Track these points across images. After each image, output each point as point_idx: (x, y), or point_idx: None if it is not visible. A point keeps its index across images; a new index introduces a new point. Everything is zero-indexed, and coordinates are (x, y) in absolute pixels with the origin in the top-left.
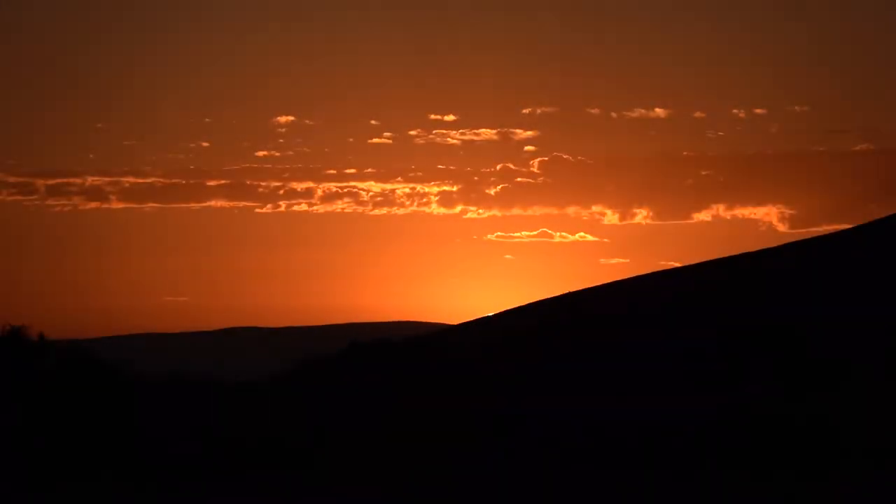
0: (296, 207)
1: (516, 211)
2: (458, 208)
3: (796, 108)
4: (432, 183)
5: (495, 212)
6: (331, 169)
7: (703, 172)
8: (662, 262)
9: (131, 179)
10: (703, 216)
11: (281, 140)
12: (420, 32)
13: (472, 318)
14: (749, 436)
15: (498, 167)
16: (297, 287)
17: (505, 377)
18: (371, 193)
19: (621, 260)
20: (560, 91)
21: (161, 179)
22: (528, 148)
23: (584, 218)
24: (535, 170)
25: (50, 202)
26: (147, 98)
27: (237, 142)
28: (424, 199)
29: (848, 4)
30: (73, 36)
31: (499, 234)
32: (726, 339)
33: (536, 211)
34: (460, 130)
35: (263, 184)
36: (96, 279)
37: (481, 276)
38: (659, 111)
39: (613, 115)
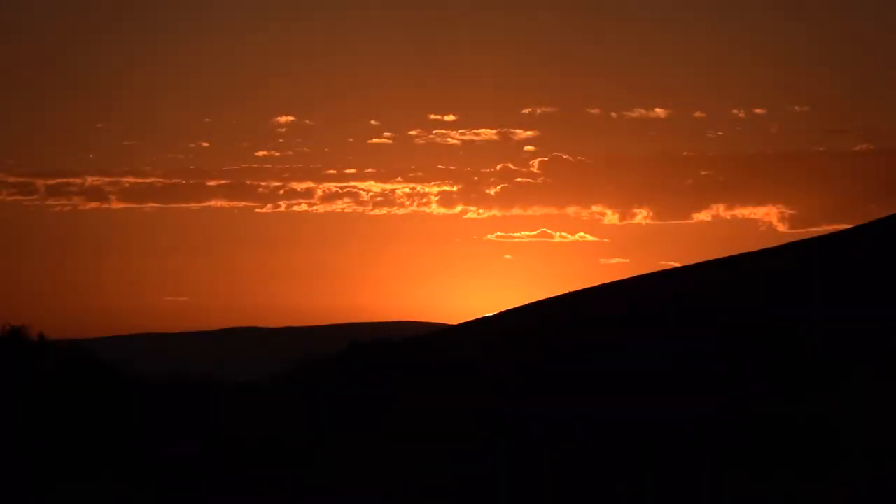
0: (296, 207)
1: (516, 211)
2: (458, 208)
3: (796, 108)
4: (432, 183)
5: (495, 212)
6: (331, 169)
7: (703, 172)
8: (662, 262)
9: (131, 179)
10: (703, 216)
11: (281, 140)
12: (420, 32)
13: (472, 318)
14: (749, 436)
15: (498, 167)
16: (297, 287)
17: (505, 377)
18: (371, 193)
19: (621, 260)
20: (560, 91)
21: (161, 179)
22: (528, 148)
23: (584, 218)
24: (535, 170)
25: (50, 202)
26: (147, 98)
27: (237, 142)
28: (424, 199)
29: (848, 4)
30: (73, 36)
31: (499, 234)
32: (726, 339)
33: (536, 211)
34: (460, 130)
35: (263, 184)
36: (96, 279)
37: (481, 276)
38: (659, 111)
39: (613, 115)
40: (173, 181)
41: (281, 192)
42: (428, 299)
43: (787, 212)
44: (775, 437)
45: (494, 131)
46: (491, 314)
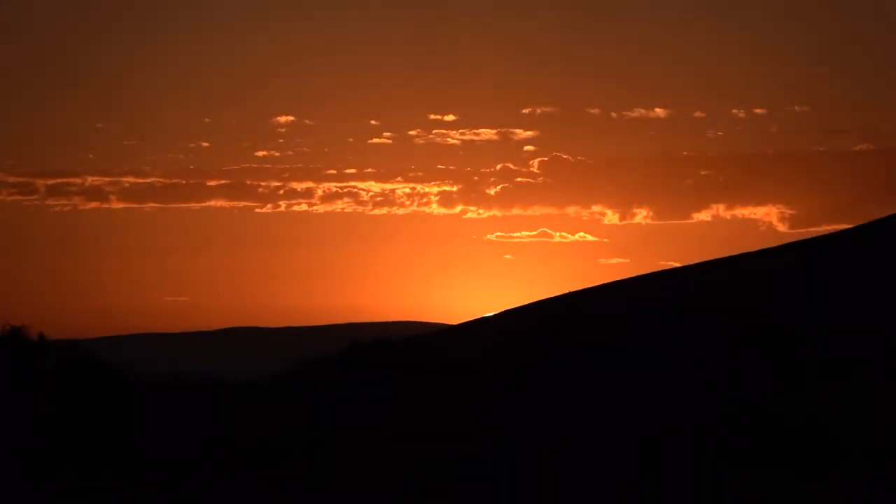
0: (296, 207)
1: (516, 211)
2: (458, 208)
3: (796, 108)
4: (432, 183)
5: (495, 212)
6: (331, 169)
7: (703, 172)
8: (662, 262)
9: (131, 179)
10: (703, 216)
11: (281, 140)
12: (420, 32)
13: (472, 318)
14: (749, 436)
15: (498, 167)
16: (297, 287)
17: (505, 377)
18: (371, 193)
19: (621, 260)
20: (560, 91)
21: (161, 179)
22: (528, 148)
23: (584, 218)
24: (534, 170)
25: (50, 202)
26: (147, 98)
27: (237, 142)
28: (424, 199)
29: (848, 4)
30: (73, 36)
31: (499, 234)
32: (726, 339)
33: (536, 211)
34: (460, 130)
35: (263, 184)
36: (96, 279)
37: (481, 276)
38: (659, 111)
39: (613, 115)
40: (173, 181)
41: (281, 192)
42: (428, 299)
43: (787, 212)
44: (775, 437)
45: (494, 131)
46: (491, 314)
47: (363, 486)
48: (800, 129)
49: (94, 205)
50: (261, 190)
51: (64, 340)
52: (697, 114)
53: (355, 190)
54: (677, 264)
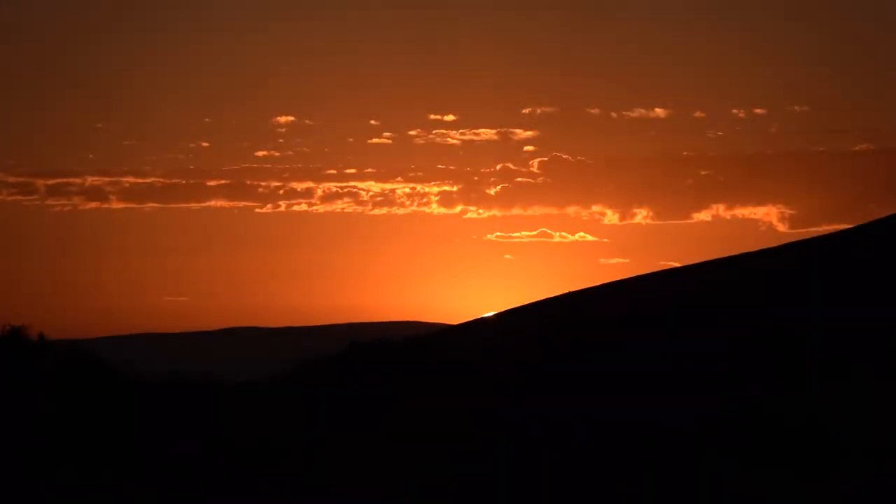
0: (296, 207)
1: (516, 211)
2: (458, 208)
3: (796, 108)
4: (432, 183)
5: (495, 212)
6: (331, 169)
7: (703, 172)
8: (662, 262)
9: (131, 179)
10: (703, 216)
11: (281, 140)
12: (420, 32)
13: (472, 318)
14: (749, 436)
15: (498, 167)
16: (297, 287)
17: (505, 377)
18: (371, 193)
19: (621, 260)
20: (560, 91)
21: (161, 179)
22: (528, 148)
23: (584, 218)
24: (534, 170)
25: (50, 202)
26: (147, 98)
27: (237, 142)
28: (424, 199)
29: (848, 4)
30: (73, 36)
31: (498, 234)
32: (726, 339)
33: (536, 211)
34: (460, 130)
35: (263, 184)
36: (96, 279)
37: (481, 276)
38: (659, 111)
39: (613, 115)
40: (173, 181)
41: (281, 192)
42: (428, 299)
43: (787, 212)
44: (775, 437)
45: (494, 131)
46: (491, 314)
47: (363, 486)
48: (800, 129)
49: (94, 205)
50: (261, 190)
51: (64, 340)
52: (697, 114)
53: (355, 190)
54: (677, 264)
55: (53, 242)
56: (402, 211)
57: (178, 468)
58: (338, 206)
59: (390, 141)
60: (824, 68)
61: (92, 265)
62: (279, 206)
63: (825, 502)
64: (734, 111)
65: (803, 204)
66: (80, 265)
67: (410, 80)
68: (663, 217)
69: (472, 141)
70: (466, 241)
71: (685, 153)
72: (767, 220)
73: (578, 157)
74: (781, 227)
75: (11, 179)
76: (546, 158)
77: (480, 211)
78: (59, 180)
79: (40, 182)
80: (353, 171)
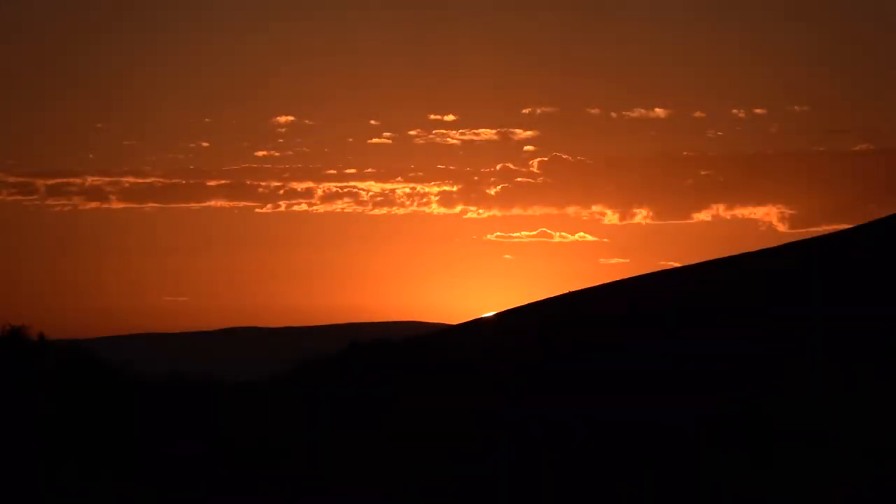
0: (296, 207)
1: (516, 211)
2: (458, 208)
3: (796, 108)
4: (432, 183)
5: (495, 212)
6: (331, 169)
7: (703, 172)
8: (662, 262)
9: (131, 179)
10: (703, 216)
11: (281, 140)
12: (420, 32)
13: (472, 318)
14: (749, 436)
15: (498, 167)
16: (297, 287)
17: (505, 377)
18: (371, 193)
19: (621, 260)
20: (560, 91)
21: (161, 179)
22: (528, 148)
23: (584, 218)
24: (534, 170)
25: (50, 202)
26: (147, 98)
27: (237, 142)
28: (424, 199)
29: (848, 4)
30: (73, 36)
31: (498, 234)
32: (726, 339)
33: (536, 211)
34: (460, 130)
35: (263, 184)
36: (96, 279)
37: (481, 276)
38: (659, 111)
39: (613, 115)
40: (173, 181)
41: (281, 192)
42: (428, 299)
43: (787, 212)
44: (775, 437)
45: (494, 131)
46: (491, 314)
47: (363, 486)
48: (800, 129)
49: (94, 205)
50: (261, 190)
51: (64, 340)
52: (697, 114)
53: (355, 190)
54: (677, 264)
55: (53, 242)
56: (402, 211)
57: (178, 468)
58: (338, 206)
59: (390, 141)
60: (824, 68)
61: (92, 265)
62: (279, 206)
63: (825, 502)
64: (734, 111)
65: (803, 204)
66: (80, 265)
67: (410, 80)
68: (663, 217)
69: (472, 141)
70: (466, 241)
71: (685, 153)
72: (767, 220)
73: (578, 157)
74: (781, 227)
75: (11, 179)
76: (546, 158)
77: (480, 211)
78: (59, 180)
79: (40, 182)
80: (353, 171)
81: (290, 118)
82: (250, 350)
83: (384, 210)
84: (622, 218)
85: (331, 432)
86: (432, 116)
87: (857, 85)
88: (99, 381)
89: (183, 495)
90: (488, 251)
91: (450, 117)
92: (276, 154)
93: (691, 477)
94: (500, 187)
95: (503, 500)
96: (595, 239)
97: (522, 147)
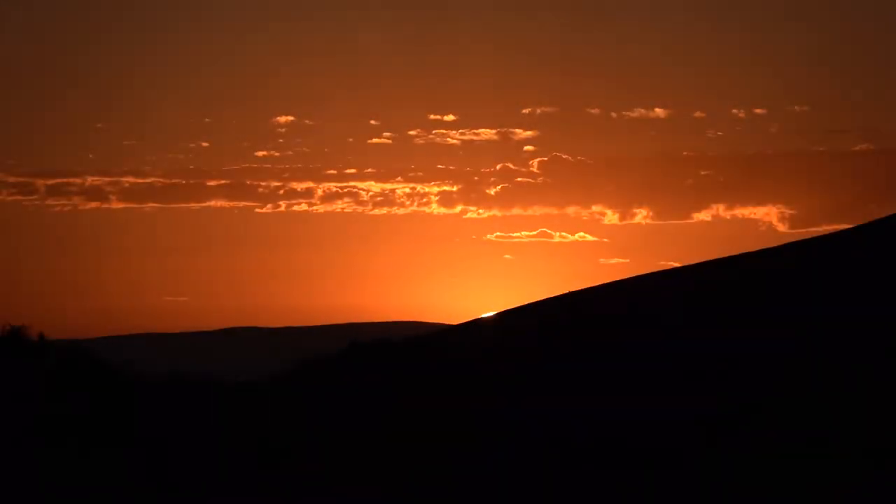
0: (296, 207)
1: (516, 211)
2: (458, 208)
3: (796, 108)
4: (432, 183)
5: (495, 212)
6: (331, 169)
7: (703, 172)
8: (662, 262)
9: (131, 179)
10: (703, 216)
11: (281, 140)
12: (420, 32)
13: (472, 318)
14: (749, 436)
15: (498, 167)
16: (297, 287)
17: (505, 377)
18: (371, 193)
19: (621, 260)
20: (560, 91)
21: (161, 179)
22: (528, 148)
23: (584, 218)
24: (534, 170)
25: (50, 202)
26: (147, 98)
27: (237, 142)
28: (424, 199)
29: (848, 4)
30: (73, 36)
31: (498, 234)
32: (726, 339)
33: (536, 211)
34: (460, 130)
35: (263, 184)
36: (96, 279)
37: (481, 276)
38: (659, 111)
39: (613, 115)
40: (173, 181)
41: (281, 192)
42: (428, 299)
43: (787, 212)
44: (775, 437)
45: (494, 131)
46: (491, 314)
47: (363, 486)
48: (800, 129)
49: (94, 205)
50: (261, 190)
51: (64, 340)
52: (697, 114)
53: (355, 190)
54: (677, 264)
55: (53, 242)
56: (402, 211)
57: (179, 468)
58: (338, 206)
59: (390, 141)
60: (824, 68)
61: (92, 265)
62: (279, 206)
63: (825, 502)
64: (734, 111)
65: (803, 204)
66: (80, 265)
67: (410, 80)
68: (663, 217)
69: (472, 141)
70: (466, 241)
71: (685, 153)
72: (767, 220)
73: (578, 157)
74: (781, 227)
75: (11, 179)
76: (546, 158)
77: (480, 211)
78: (59, 180)
79: (40, 182)
80: (353, 171)
81: (290, 118)
82: (250, 350)
83: (384, 210)
84: (622, 218)
85: (331, 432)
86: (432, 116)
87: (857, 85)
88: (99, 381)
89: (183, 495)
90: (488, 251)
91: (450, 117)
92: (276, 154)
93: (691, 477)
94: (500, 187)
95: (503, 500)
96: (595, 239)
97: (522, 147)
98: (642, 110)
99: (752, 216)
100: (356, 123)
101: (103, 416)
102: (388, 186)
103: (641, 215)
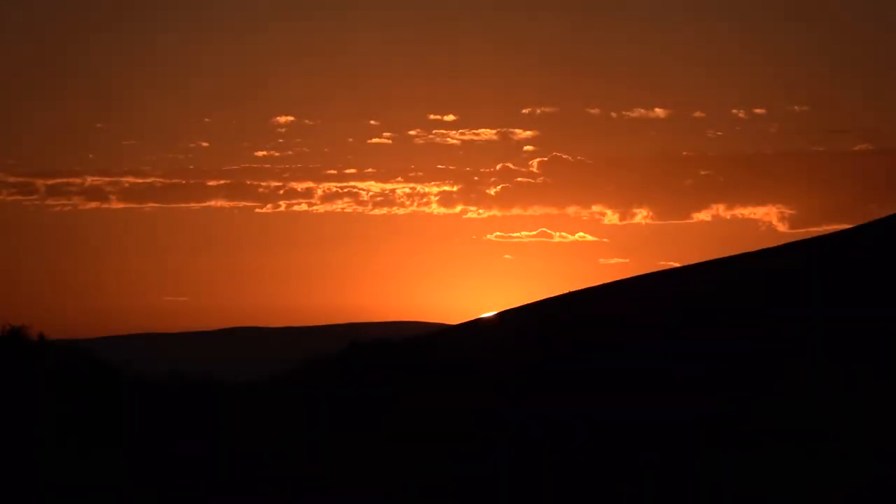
0: (296, 207)
1: (516, 211)
2: (458, 208)
3: (796, 108)
4: (432, 183)
5: (495, 212)
6: (331, 169)
7: (703, 172)
8: (662, 262)
9: (131, 179)
10: (703, 216)
11: (281, 140)
12: (420, 32)
13: (472, 318)
14: (749, 436)
15: (498, 167)
16: (297, 287)
17: (505, 377)
18: (371, 193)
19: (621, 260)
20: (560, 91)
21: (161, 179)
22: (528, 148)
23: (584, 218)
24: (534, 170)
25: (50, 202)
26: (147, 98)
27: (237, 142)
28: (424, 199)
29: (848, 4)
30: (72, 36)
31: (498, 234)
32: (726, 339)
33: (536, 211)
34: (460, 130)
35: (263, 184)
36: (96, 279)
37: (481, 276)
38: (659, 111)
39: (613, 115)
40: (173, 181)
41: (281, 192)
42: (428, 299)
43: (787, 212)
44: (775, 437)
45: (494, 131)
46: (491, 314)
47: (363, 486)
48: (800, 129)
49: (94, 205)
50: (261, 190)
51: (64, 340)
52: (697, 114)
53: (355, 190)
54: (677, 264)
55: (53, 242)
56: (402, 211)
57: (178, 468)
58: (338, 206)
59: (390, 141)
60: (824, 68)
61: (92, 265)
62: (279, 206)
63: (825, 502)
64: (734, 111)
65: (803, 204)
66: (80, 265)
67: (410, 80)
68: (663, 217)
69: (472, 141)
70: (466, 241)
71: (685, 153)
72: (767, 220)
73: (578, 157)
74: (781, 227)
75: (11, 179)
76: (546, 158)
77: (480, 211)
78: (59, 180)
79: (40, 182)
80: (353, 171)
81: (290, 118)
82: (250, 350)
83: (384, 210)
84: (622, 218)
85: (331, 432)
86: (432, 116)
87: (857, 85)
88: (99, 381)
89: (183, 495)
90: (488, 251)
91: (450, 117)
92: (276, 154)
93: (691, 477)
94: (500, 187)
95: (503, 500)
96: (595, 239)
97: (522, 147)
98: (642, 110)
99: (752, 216)
100: (356, 123)
101: (103, 416)
102: (388, 186)
103: (641, 215)
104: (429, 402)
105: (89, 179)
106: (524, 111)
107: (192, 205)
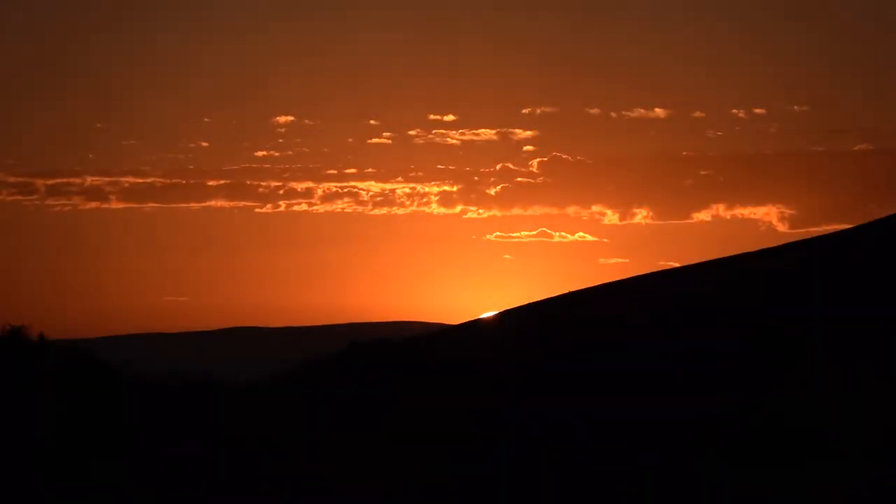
0: (296, 207)
1: (516, 211)
2: (458, 208)
3: (796, 108)
4: (432, 183)
5: (495, 212)
6: (331, 169)
7: (703, 172)
8: (662, 262)
9: (131, 179)
10: (703, 216)
11: (281, 140)
12: (420, 32)
13: (472, 318)
14: (749, 436)
15: (497, 167)
16: (297, 287)
17: (505, 377)
18: (371, 193)
19: (621, 260)
20: (560, 91)
21: (161, 179)
22: (528, 148)
23: (584, 218)
24: (534, 170)
25: (50, 202)
26: (147, 98)
27: (237, 142)
28: (424, 199)
29: (848, 4)
30: (72, 36)
31: (498, 234)
32: (726, 339)
33: (536, 211)
34: (460, 130)
35: (263, 184)
36: (96, 279)
37: (481, 276)
38: (659, 111)
39: (613, 115)
40: (173, 181)
41: (281, 192)
42: (428, 299)
43: (787, 212)
44: (775, 437)
45: (494, 131)
46: (491, 314)
47: (363, 486)
48: (800, 129)
49: (94, 205)
50: (261, 190)
51: (64, 340)
52: (697, 114)
53: (355, 190)
54: (677, 264)
55: (53, 242)
56: (402, 211)
57: (178, 468)
58: (338, 206)
59: (390, 141)
60: (824, 68)
61: (92, 265)
62: (279, 206)
63: (825, 502)
64: (734, 111)
65: (803, 204)
66: (80, 265)
67: (410, 80)
68: (663, 217)
69: (472, 141)
70: (466, 241)
71: (685, 153)
72: (767, 220)
73: (578, 157)
74: (781, 227)
75: (11, 179)
76: (546, 158)
77: (480, 211)
78: (59, 180)
79: (40, 182)
80: (353, 171)
81: (290, 118)
82: (250, 350)
83: (384, 210)
84: (622, 218)
85: (331, 432)
86: (432, 116)
87: (857, 85)
88: (99, 381)
89: (183, 495)
90: (488, 251)
91: (450, 117)
92: (276, 154)
93: (691, 477)
94: (499, 187)
95: (503, 500)
96: (595, 239)
97: (522, 147)
98: (642, 110)
99: (752, 216)
100: (356, 123)
101: (103, 416)
102: (388, 186)
103: (641, 215)
104: (429, 402)
105: (89, 179)
106: (524, 111)
107: (192, 205)
